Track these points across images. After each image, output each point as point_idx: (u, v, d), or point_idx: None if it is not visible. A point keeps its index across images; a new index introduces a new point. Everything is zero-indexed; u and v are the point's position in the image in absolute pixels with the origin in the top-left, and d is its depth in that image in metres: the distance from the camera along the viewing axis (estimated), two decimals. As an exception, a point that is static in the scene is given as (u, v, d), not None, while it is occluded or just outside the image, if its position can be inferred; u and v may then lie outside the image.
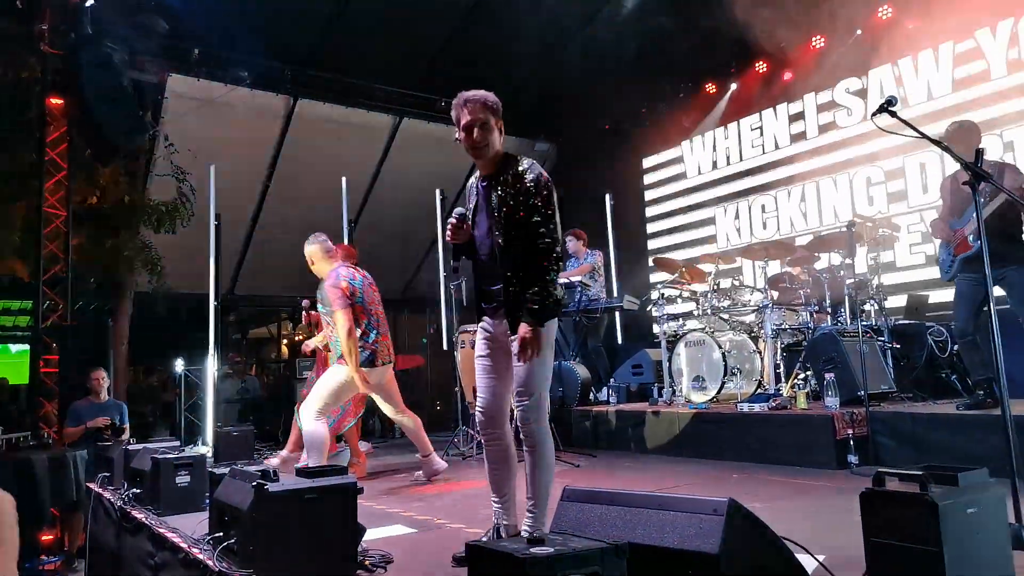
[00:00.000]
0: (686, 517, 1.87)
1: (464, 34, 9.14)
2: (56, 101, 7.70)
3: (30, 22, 7.36)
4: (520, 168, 2.84)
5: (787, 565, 2.00)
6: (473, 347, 6.46)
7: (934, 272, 6.84)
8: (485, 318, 3.00)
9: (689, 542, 1.83)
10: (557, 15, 9.12)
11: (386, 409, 5.26)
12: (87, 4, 6.94)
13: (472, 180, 3.06)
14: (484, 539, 2.78)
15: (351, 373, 4.70)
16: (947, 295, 6.63)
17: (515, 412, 2.84)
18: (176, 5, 7.66)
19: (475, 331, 3.12)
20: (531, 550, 1.57)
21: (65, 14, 7.35)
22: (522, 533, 2.70)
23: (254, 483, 2.58)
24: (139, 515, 3.87)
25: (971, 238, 4.49)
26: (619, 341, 9.85)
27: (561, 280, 7.31)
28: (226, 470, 3.25)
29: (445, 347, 9.05)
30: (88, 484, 4.99)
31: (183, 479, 4.05)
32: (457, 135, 2.90)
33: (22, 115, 7.91)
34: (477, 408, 3.02)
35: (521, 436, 2.84)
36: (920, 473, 1.94)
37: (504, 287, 2.83)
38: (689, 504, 1.90)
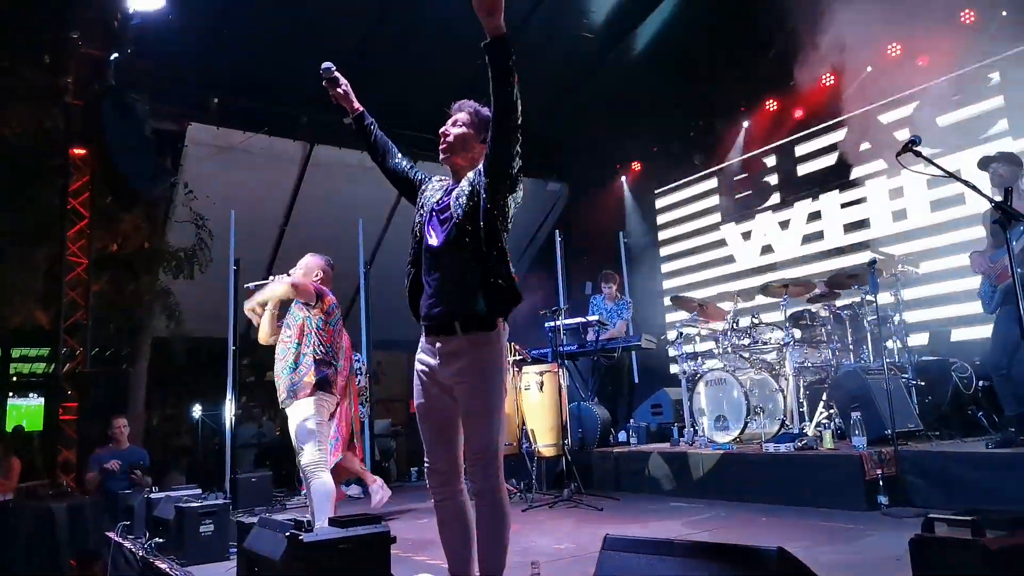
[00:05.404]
0: (738, 568, 1.83)
1: (476, 77, 9.25)
2: (79, 151, 7.84)
3: (56, 75, 7.54)
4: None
5: (837, 615, 1.95)
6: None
7: (958, 308, 6.82)
8: (428, 337, 2.72)
9: (740, 593, 1.79)
10: (568, 56, 9.25)
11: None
12: (112, 58, 7.12)
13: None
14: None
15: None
16: (970, 332, 6.60)
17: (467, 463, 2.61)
18: (196, 55, 7.84)
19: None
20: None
21: (90, 67, 7.53)
22: None
23: (287, 532, 2.56)
24: (163, 565, 3.84)
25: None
26: (636, 380, 9.78)
27: (579, 320, 7.29)
28: (253, 519, 3.23)
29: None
30: (107, 533, 4.95)
31: (207, 528, 4.02)
32: None
33: (45, 163, 8.05)
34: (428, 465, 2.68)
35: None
36: (972, 518, 1.90)
37: (476, 276, 2.64)
38: (739, 553, 1.86)
